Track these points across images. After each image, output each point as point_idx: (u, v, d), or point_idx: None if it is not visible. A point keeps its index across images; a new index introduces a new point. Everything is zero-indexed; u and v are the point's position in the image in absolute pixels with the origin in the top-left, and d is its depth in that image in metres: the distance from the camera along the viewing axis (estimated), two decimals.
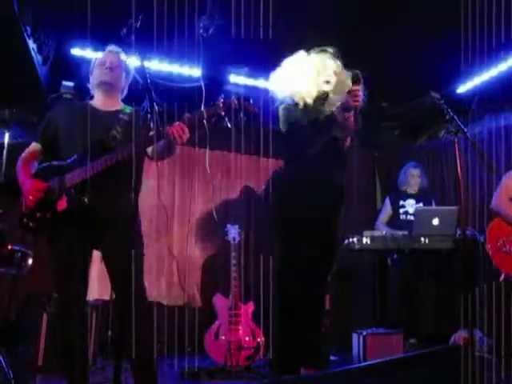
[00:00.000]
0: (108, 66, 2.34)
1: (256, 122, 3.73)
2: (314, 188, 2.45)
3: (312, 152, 2.43)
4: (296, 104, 2.51)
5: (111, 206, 2.15)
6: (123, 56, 2.37)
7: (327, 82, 2.51)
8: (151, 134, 2.13)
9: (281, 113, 2.56)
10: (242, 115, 2.13)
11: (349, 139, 2.58)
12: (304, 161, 2.46)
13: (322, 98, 2.51)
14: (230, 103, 2.10)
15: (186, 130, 2.09)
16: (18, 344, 3.07)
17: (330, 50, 2.59)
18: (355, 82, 2.39)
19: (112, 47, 2.39)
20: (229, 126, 2.13)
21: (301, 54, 2.61)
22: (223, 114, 2.10)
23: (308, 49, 2.66)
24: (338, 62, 2.57)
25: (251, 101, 2.15)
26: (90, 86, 2.45)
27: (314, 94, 2.50)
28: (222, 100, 2.11)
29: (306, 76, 2.51)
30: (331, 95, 2.48)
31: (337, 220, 2.59)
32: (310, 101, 2.50)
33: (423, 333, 3.82)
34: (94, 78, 2.39)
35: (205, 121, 2.10)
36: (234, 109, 2.10)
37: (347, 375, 1.51)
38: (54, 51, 3.69)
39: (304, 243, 2.42)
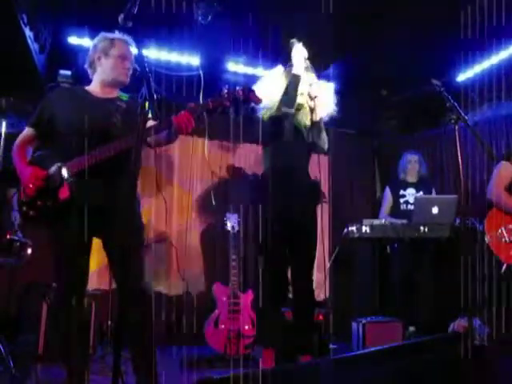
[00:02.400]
0: (128, 67, 2.29)
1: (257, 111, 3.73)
2: (290, 176, 2.87)
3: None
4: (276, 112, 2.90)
5: (112, 194, 2.13)
6: (133, 47, 2.31)
7: (301, 94, 2.91)
8: (156, 123, 2.11)
9: (264, 118, 2.94)
10: (246, 106, 2.13)
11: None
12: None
13: (298, 108, 2.93)
14: (235, 94, 2.09)
15: (192, 119, 2.08)
16: (18, 333, 3.08)
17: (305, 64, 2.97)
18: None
19: (128, 38, 2.29)
20: (233, 116, 2.13)
21: (279, 69, 3.03)
22: (228, 104, 2.08)
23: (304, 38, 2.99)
24: (313, 76, 2.98)
25: (255, 91, 2.15)
26: (88, 64, 2.36)
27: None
28: (226, 90, 2.09)
29: (283, 89, 2.91)
30: (305, 106, 2.92)
31: (309, 203, 2.97)
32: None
33: (422, 321, 3.83)
34: (109, 70, 2.30)
35: (209, 111, 2.08)
36: (238, 99, 2.09)
37: (346, 362, 1.51)
38: (51, 39, 3.66)
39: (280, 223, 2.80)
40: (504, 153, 3.35)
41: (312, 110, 2.89)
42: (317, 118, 2.92)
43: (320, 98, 2.91)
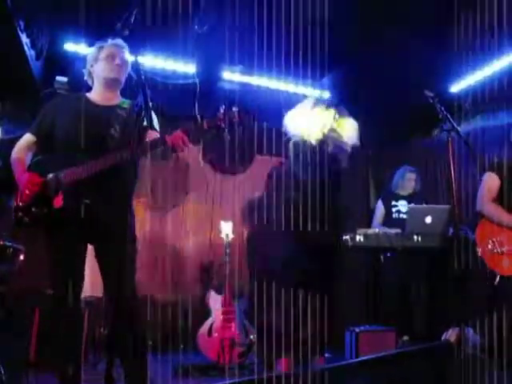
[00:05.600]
0: (118, 63, 2.30)
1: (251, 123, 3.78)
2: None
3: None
4: (303, 140, 3.22)
5: (107, 203, 2.13)
6: (127, 52, 2.33)
7: (329, 129, 3.23)
8: (150, 141, 2.12)
9: (291, 145, 3.28)
10: (241, 128, 2.13)
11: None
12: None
13: (324, 139, 3.24)
14: (231, 116, 2.09)
15: (186, 139, 2.08)
16: (9, 340, 3.05)
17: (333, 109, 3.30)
18: None
19: (118, 41, 2.33)
20: (228, 137, 2.13)
21: (310, 103, 3.36)
22: (224, 126, 2.09)
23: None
24: (343, 115, 3.29)
25: (251, 115, 2.16)
26: (86, 75, 2.40)
27: (318, 135, 3.23)
28: (222, 112, 2.09)
29: (313, 121, 3.25)
30: (335, 140, 3.22)
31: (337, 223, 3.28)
32: (313, 141, 3.22)
33: (416, 330, 3.84)
34: (100, 71, 2.33)
35: (204, 132, 2.09)
36: (233, 122, 2.09)
37: (339, 371, 1.52)
38: (48, 46, 3.67)
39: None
40: (488, 164, 3.39)
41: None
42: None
43: (343, 133, 3.27)
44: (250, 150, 4.52)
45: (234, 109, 2.10)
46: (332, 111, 3.33)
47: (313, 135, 3.27)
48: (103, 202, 2.14)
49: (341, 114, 3.34)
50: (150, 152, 2.14)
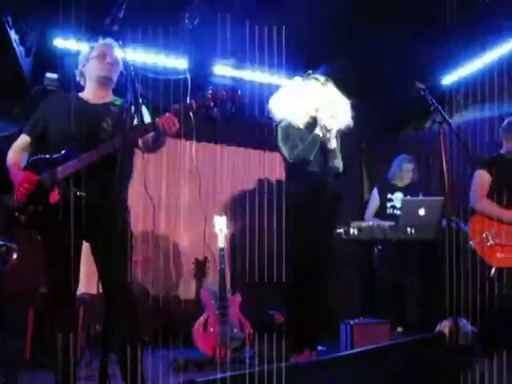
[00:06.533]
0: (109, 62, 2.32)
1: (243, 114, 3.78)
2: (312, 193, 3.04)
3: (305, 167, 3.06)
4: (291, 124, 3.10)
5: (102, 198, 2.12)
6: (118, 50, 2.34)
7: (316, 110, 3.08)
8: (142, 125, 2.13)
9: (279, 131, 3.13)
10: (230, 106, 2.14)
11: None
12: (301, 176, 3.08)
13: (312, 122, 3.11)
14: (219, 94, 2.12)
15: (176, 121, 2.10)
16: (4, 339, 3.05)
17: (321, 78, 3.17)
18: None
19: (109, 40, 2.35)
20: (217, 116, 2.15)
21: (296, 82, 3.23)
22: (212, 104, 2.11)
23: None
24: (329, 89, 3.15)
25: (239, 92, 2.17)
26: (79, 75, 2.42)
27: (305, 118, 3.12)
28: (210, 91, 2.12)
29: (298, 103, 3.11)
30: (320, 120, 3.05)
31: (333, 211, 3.26)
32: (301, 124, 3.11)
33: (410, 322, 3.86)
34: (92, 70, 2.36)
35: (193, 112, 2.10)
36: (222, 100, 2.11)
37: (333, 363, 1.53)
38: (37, 42, 3.64)
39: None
40: (479, 160, 3.42)
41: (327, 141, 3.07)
42: (331, 146, 3.09)
43: (336, 113, 3.09)
44: None
45: (223, 88, 2.13)
46: (323, 83, 3.15)
47: (300, 119, 3.12)
48: (98, 195, 2.13)
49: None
50: (142, 137, 2.15)
